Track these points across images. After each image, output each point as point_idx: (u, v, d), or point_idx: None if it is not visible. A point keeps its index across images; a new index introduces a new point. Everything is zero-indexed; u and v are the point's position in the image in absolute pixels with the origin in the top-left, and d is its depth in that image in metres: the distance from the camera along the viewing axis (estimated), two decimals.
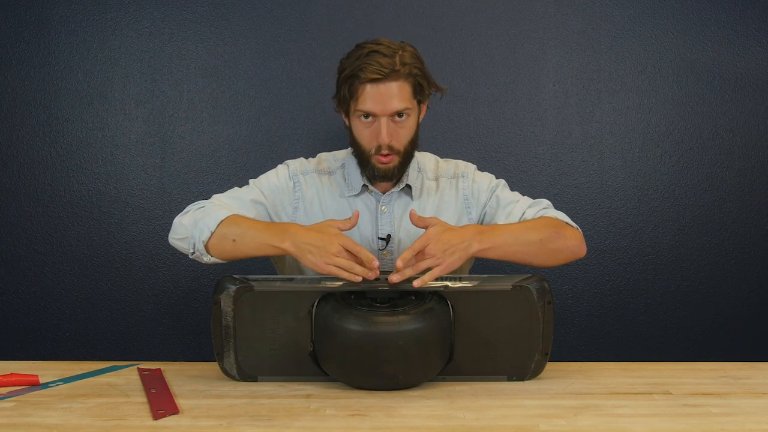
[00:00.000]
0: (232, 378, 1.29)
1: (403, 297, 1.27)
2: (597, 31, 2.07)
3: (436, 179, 1.59)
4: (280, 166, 1.59)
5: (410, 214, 1.33)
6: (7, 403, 1.14)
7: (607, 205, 2.08)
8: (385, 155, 1.45)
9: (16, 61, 2.02)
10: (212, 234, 1.36)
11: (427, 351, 1.23)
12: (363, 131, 1.46)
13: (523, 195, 1.56)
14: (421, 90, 1.46)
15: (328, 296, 1.26)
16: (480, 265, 1.62)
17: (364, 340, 1.19)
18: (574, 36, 2.07)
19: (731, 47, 2.08)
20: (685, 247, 2.09)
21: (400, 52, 1.42)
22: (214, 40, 2.04)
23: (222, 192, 1.52)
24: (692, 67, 2.08)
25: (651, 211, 2.09)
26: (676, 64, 2.08)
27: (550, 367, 1.34)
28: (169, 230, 1.45)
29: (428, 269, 1.27)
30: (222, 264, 1.43)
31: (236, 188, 1.54)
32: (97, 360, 1.52)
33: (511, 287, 1.28)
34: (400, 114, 1.43)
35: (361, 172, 1.52)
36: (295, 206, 1.54)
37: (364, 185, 1.53)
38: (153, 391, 1.21)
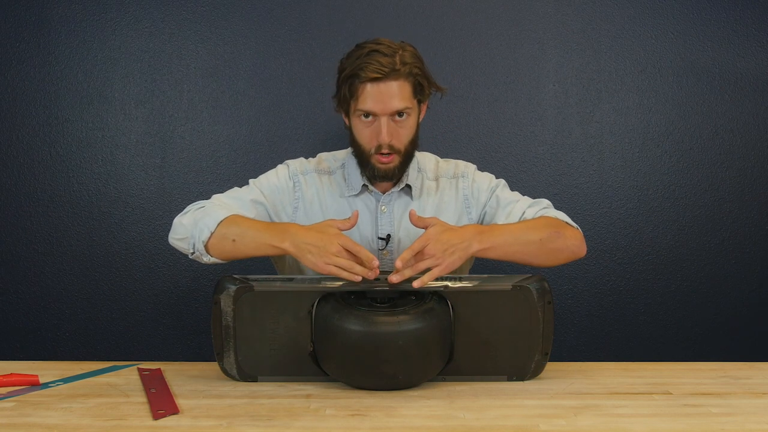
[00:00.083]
0: (232, 378, 1.29)
1: (403, 297, 1.27)
2: (597, 31, 2.07)
3: (436, 179, 1.59)
4: (280, 166, 1.59)
5: (410, 214, 1.33)
6: (7, 403, 1.14)
7: (607, 205, 2.08)
8: (386, 155, 1.45)
9: (16, 61, 2.02)
10: (212, 234, 1.36)
11: (427, 351, 1.23)
12: (363, 131, 1.46)
13: (523, 195, 1.56)
14: (421, 90, 1.46)
15: (328, 296, 1.26)
16: (480, 265, 1.62)
17: (364, 340, 1.19)
18: (574, 36, 2.07)
19: (731, 47, 2.08)
20: (685, 247, 2.09)
21: (400, 52, 1.42)
22: (214, 40, 2.04)
23: (222, 192, 1.52)
24: (692, 67, 2.08)
25: (651, 211, 2.09)
26: (676, 64, 2.08)
27: (550, 367, 1.34)
28: (169, 230, 1.45)
29: (428, 269, 1.27)
30: (222, 264, 1.43)
31: (236, 188, 1.54)
32: (97, 360, 1.52)
33: (511, 287, 1.28)
34: (400, 113, 1.43)
35: (361, 172, 1.52)
36: (295, 206, 1.54)
37: (364, 185, 1.53)
38: (153, 391, 1.21)
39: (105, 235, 2.03)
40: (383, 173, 1.47)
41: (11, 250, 2.02)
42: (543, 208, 1.50)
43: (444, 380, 1.29)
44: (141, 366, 1.39)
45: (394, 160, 1.46)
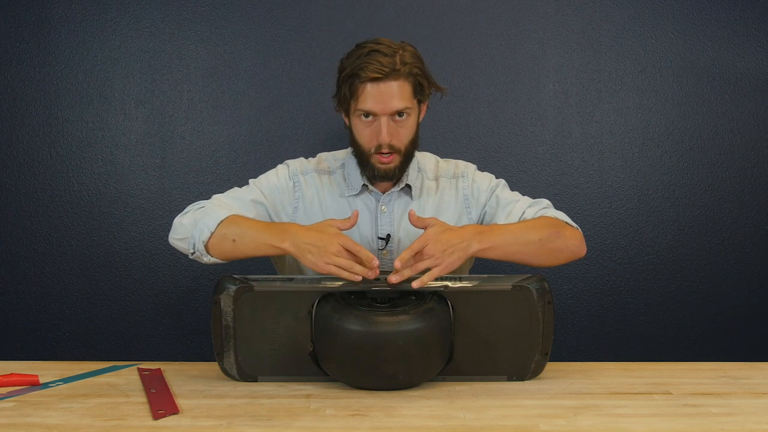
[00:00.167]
0: (232, 378, 1.29)
1: (403, 297, 1.27)
2: (597, 31, 2.07)
3: (436, 179, 1.59)
4: (280, 166, 1.59)
5: (409, 214, 1.33)
6: (7, 403, 1.14)
7: (607, 205, 2.08)
8: (386, 155, 1.45)
9: (16, 61, 2.02)
10: (212, 234, 1.36)
11: (427, 351, 1.23)
12: (363, 130, 1.46)
13: (523, 195, 1.56)
14: (421, 90, 1.46)
15: (328, 296, 1.26)
16: (480, 265, 1.62)
17: (364, 340, 1.19)
18: (574, 36, 2.07)
19: (731, 47, 2.08)
20: (685, 247, 2.09)
21: (400, 52, 1.42)
22: (214, 40, 2.04)
23: (222, 192, 1.52)
24: (692, 67, 2.08)
25: (651, 211, 2.09)
26: (676, 64, 2.08)
27: (550, 367, 1.34)
28: (169, 230, 1.45)
29: (427, 270, 1.27)
30: (222, 264, 1.43)
31: (236, 188, 1.54)
32: (97, 360, 1.52)
33: (511, 287, 1.28)
34: (400, 113, 1.43)
35: (361, 172, 1.52)
36: (295, 206, 1.54)
37: (364, 185, 1.53)
38: (153, 391, 1.21)
39: (105, 235, 2.03)
40: (383, 173, 1.47)
41: (11, 250, 2.02)
42: (543, 208, 1.50)
43: (444, 380, 1.29)
44: (141, 366, 1.39)
45: (394, 160, 1.46)
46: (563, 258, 1.44)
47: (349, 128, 1.50)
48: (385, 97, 1.41)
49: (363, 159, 1.48)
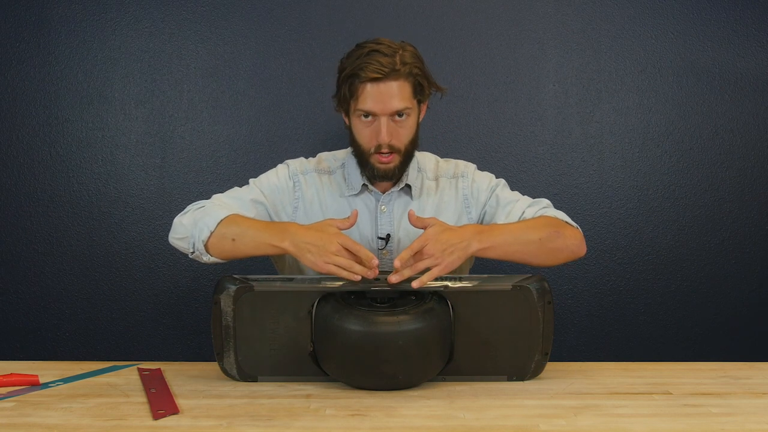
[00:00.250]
0: (232, 378, 1.29)
1: (403, 297, 1.27)
2: (597, 31, 2.07)
3: (436, 179, 1.59)
4: (280, 166, 1.59)
5: (408, 214, 1.33)
6: (7, 403, 1.14)
7: (607, 205, 2.08)
8: (385, 155, 1.45)
9: (16, 61, 2.02)
10: (212, 233, 1.36)
11: (427, 351, 1.23)
12: (363, 130, 1.46)
13: (523, 195, 1.56)
14: (421, 90, 1.46)
15: (328, 296, 1.26)
16: (480, 265, 1.62)
17: (364, 340, 1.19)
18: (574, 36, 2.07)
19: (731, 47, 2.08)
20: (685, 247, 2.09)
21: (400, 52, 1.42)
22: (214, 40, 2.04)
23: (222, 192, 1.52)
24: (692, 67, 2.08)
25: (651, 211, 2.09)
26: (676, 64, 2.08)
27: (550, 367, 1.34)
28: (169, 230, 1.45)
29: (427, 269, 1.27)
30: (222, 264, 1.43)
31: (236, 188, 1.54)
32: (97, 360, 1.52)
33: (511, 287, 1.28)
34: (399, 113, 1.43)
35: (361, 172, 1.52)
36: (294, 206, 1.54)
37: (363, 185, 1.53)
38: (153, 391, 1.21)
39: (105, 235, 2.03)
40: (383, 173, 1.47)
41: (11, 250, 2.02)
42: (543, 207, 1.50)
43: (444, 380, 1.29)
44: (141, 366, 1.39)
45: (394, 160, 1.46)
46: (563, 258, 1.44)
47: (349, 128, 1.50)
48: (385, 98, 1.41)
49: (363, 159, 1.48)
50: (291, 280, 1.28)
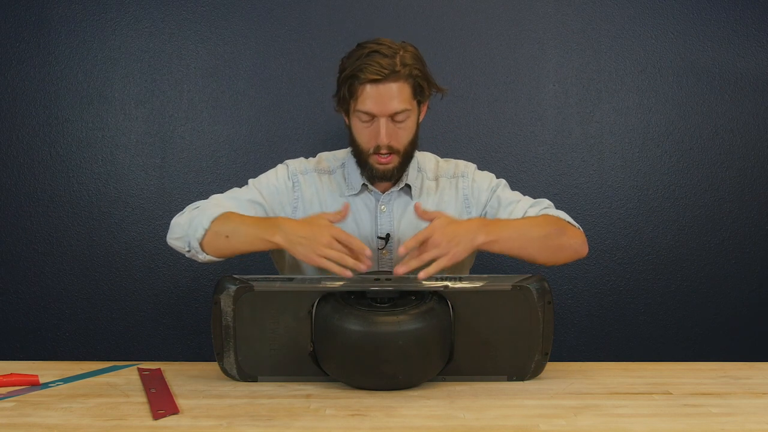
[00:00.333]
0: (232, 378, 1.29)
1: (403, 297, 1.27)
2: (597, 31, 2.07)
3: (436, 179, 1.59)
4: (279, 166, 1.59)
5: (415, 206, 1.33)
6: (7, 403, 1.14)
7: (607, 205, 2.08)
8: (384, 155, 1.45)
9: (16, 61, 2.02)
10: (206, 231, 1.37)
11: (427, 351, 1.22)
12: (362, 131, 1.46)
13: (524, 195, 1.56)
14: (421, 91, 1.46)
15: (328, 296, 1.26)
16: (480, 264, 1.62)
17: (364, 340, 1.19)
18: (574, 36, 2.07)
19: (731, 47, 2.08)
20: (685, 247, 2.09)
21: (400, 53, 1.42)
22: (214, 40, 2.04)
23: (221, 192, 1.52)
24: (692, 67, 2.08)
25: (651, 211, 2.09)
26: (676, 64, 2.08)
27: (550, 367, 1.34)
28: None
29: (432, 261, 1.27)
30: (220, 263, 1.43)
31: (235, 189, 1.54)
32: (97, 360, 1.52)
33: (511, 287, 1.28)
34: (399, 114, 1.43)
35: (361, 172, 1.52)
36: (294, 206, 1.54)
37: (363, 184, 1.53)
38: (153, 391, 1.21)
39: (105, 235, 2.03)
40: (382, 174, 1.47)
41: (11, 250, 2.02)
42: (544, 207, 1.50)
43: (444, 380, 1.29)
44: (141, 366, 1.39)
45: (393, 161, 1.46)
46: (566, 256, 1.44)
47: (349, 128, 1.50)
48: (384, 99, 1.41)
49: (362, 159, 1.48)
50: (291, 280, 1.28)
